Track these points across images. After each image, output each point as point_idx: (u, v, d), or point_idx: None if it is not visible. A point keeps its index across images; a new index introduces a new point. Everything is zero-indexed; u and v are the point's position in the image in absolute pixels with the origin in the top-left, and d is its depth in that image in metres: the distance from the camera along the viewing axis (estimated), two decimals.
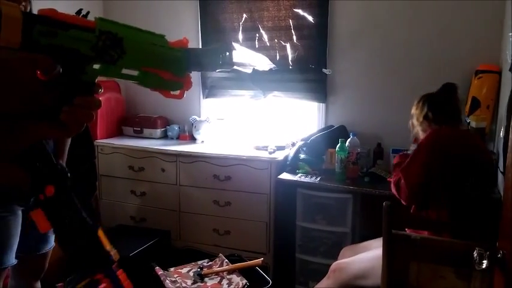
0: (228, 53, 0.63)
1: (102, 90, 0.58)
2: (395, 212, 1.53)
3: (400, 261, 1.50)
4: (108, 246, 0.70)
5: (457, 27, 2.69)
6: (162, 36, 0.59)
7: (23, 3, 1.52)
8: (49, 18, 0.52)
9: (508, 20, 2.34)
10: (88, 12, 2.23)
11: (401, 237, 1.51)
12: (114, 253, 0.71)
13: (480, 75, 2.49)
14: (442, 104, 1.95)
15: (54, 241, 1.80)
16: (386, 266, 1.52)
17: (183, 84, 0.62)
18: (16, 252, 1.58)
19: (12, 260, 1.56)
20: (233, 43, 3.19)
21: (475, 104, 2.46)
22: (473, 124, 2.32)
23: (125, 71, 0.58)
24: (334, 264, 2.09)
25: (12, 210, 1.55)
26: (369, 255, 2.00)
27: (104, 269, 0.70)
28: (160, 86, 0.61)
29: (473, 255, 1.02)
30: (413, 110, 2.02)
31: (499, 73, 2.46)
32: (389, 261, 1.52)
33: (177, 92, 0.63)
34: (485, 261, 0.97)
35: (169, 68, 0.60)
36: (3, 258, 1.53)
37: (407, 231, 1.72)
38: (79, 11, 2.20)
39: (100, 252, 0.69)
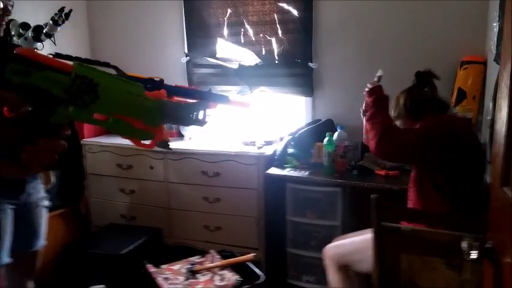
0: (203, 111, 0.64)
1: (70, 133, 0.58)
2: (383, 204, 1.54)
3: (390, 253, 1.51)
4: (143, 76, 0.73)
5: (441, 18, 2.71)
6: (139, 86, 0.60)
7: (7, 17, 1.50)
8: (25, 57, 0.53)
9: (493, 11, 2.37)
10: (70, 10, 2.23)
11: (391, 229, 1.53)
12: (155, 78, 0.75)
13: (465, 66, 2.52)
14: (421, 97, 1.93)
15: (45, 239, 1.80)
16: (377, 257, 1.54)
17: (155, 135, 0.63)
18: (9, 251, 1.58)
19: (5, 258, 1.57)
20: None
21: (461, 95, 2.49)
22: (459, 115, 2.35)
23: (96, 116, 0.58)
24: (325, 249, 2.13)
25: (3, 208, 1.55)
26: (359, 238, 2.04)
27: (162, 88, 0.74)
28: (131, 134, 0.62)
29: (462, 246, 1.03)
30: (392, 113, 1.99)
31: (484, 64, 2.49)
32: (379, 253, 1.53)
33: (148, 142, 0.65)
34: (474, 252, 0.99)
35: (142, 117, 0.61)
36: None
37: (403, 223, 1.72)
38: (61, 9, 2.20)
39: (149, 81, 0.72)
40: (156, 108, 0.61)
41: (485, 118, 2.35)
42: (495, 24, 2.15)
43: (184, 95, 0.76)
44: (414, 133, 1.81)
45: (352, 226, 2.49)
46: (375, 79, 2.04)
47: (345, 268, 2.06)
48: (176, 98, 0.76)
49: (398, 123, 1.96)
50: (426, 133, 1.79)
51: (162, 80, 0.76)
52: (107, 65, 0.74)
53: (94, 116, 0.57)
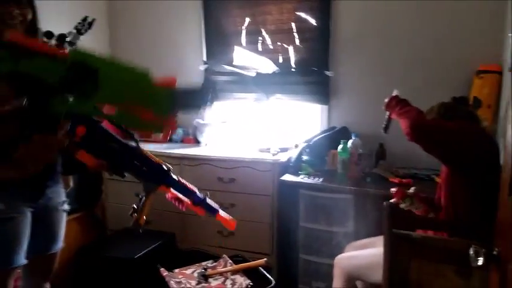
0: (211, 93, 0.60)
1: (69, 128, 0.50)
2: (395, 211, 1.55)
3: (401, 259, 1.52)
4: (156, 159, 0.71)
5: (458, 27, 2.70)
6: (146, 73, 0.52)
7: (17, 11, 1.49)
8: (12, 43, 0.46)
9: (509, 21, 2.36)
10: (94, 20, 2.25)
11: (402, 236, 1.53)
12: (165, 164, 0.74)
13: (481, 75, 2.50)
14: (455, 105, 1.90)
15: (63, 242, 1.84)
16: (388, 264, 1.54)
17: (166, 126, 0.55)
18: (26, 253, 1.62)
19: (22, 259, 1.60)
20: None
21: (477, 103, 2.47)
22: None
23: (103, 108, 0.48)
24: (337, 259, 2.13)
25: (21, 211, 1.59)
26: (373, 251, 2.03)
27: (165, 179, 0.73)
28: (139, 126, 0.53)
29: (470, 252, 1.04)
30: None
31: (501, 73, 2.47)
32: (390, 260, 1.54)
33: (160, 135, 0.55)
34: (481, 258, 0.99)
35: (151, 106, 0.52)
36: (14, 258, 1.56)
37: (418, 232, 1.70)
38: (84, 18, 2.23)
39: (158, 166, 0.71)
40: (166, 96, 0.53)
41: (500, 127, 2.33)
42: (511, 34, 2.14)
43: (182, 192, 0.76)
44: (449, 123, 1.75)
45: (365, 233, 2.48)
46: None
47: (352, 281, 2.06)
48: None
49: None
50: (460, 129, 1.73)
51: (169, 170, 0.73)
52: (131, 136, 0.70)
53: (98, 107, 0.48)
